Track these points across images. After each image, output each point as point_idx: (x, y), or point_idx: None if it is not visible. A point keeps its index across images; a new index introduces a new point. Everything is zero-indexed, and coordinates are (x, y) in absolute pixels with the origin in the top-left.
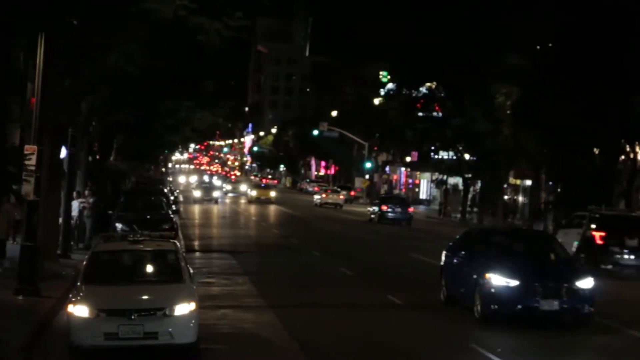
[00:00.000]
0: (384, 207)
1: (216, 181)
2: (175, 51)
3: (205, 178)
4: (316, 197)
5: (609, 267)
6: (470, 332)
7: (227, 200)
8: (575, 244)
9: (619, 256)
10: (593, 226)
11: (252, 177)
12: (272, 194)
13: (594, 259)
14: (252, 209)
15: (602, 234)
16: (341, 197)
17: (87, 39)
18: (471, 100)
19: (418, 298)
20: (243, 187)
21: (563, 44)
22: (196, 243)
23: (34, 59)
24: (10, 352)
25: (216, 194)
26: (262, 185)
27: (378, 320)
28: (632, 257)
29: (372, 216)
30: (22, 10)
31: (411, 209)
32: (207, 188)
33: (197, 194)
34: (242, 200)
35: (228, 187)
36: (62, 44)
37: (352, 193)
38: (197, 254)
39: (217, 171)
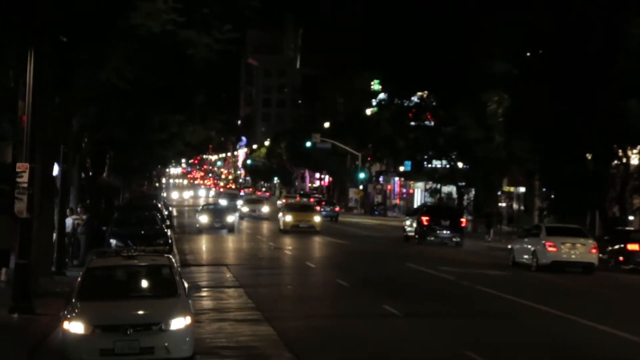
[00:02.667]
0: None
1: (228, 201)
2: (165, 65)
3: (217, 198)
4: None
5: (432, 238)
6: None
7: (245, 226)
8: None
9: (438, 232)
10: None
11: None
12: (317, 218)
13: (423, 234)
14: (306, 247)
15: (427, 218)
16: (336, 209)
17: (76, 55)
18: (463, 108)
19: None
20: (265, 209)
21: (552, 50)
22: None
23: (24, 77)
24: None
25: (231, 218)
26: (300, 206)
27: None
28: (445, 232)
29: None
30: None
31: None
32: (217, 211)
33: (203, 219)
34: (265, 226)
35: (245, 208)
36: (51, 60)
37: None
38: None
39: (210, 185)
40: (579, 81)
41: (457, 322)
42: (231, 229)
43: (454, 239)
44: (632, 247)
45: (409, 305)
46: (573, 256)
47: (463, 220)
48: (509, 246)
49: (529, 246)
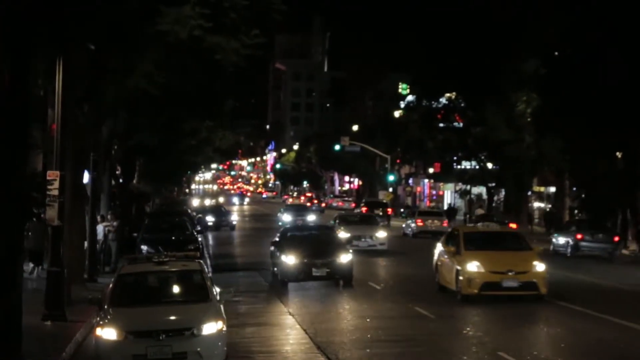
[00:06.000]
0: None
1: (294, 216)
2: (193, 71)
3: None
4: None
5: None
6: None
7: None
8: None
9: (378, 218)
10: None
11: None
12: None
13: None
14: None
15: (366, 208)
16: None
17: (105, 63)
18: (491, 108)
19: None
20: (380, 234)
21: (581, 50)
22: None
23: (53, 85)
24: None
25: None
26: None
27: None
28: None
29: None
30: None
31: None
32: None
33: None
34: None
35: (344, 234)
36: (80, 68)
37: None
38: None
39: (245, 191)
40: (607, 80)
41: None
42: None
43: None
44: None
45: None
46: None
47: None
48: None
49: None
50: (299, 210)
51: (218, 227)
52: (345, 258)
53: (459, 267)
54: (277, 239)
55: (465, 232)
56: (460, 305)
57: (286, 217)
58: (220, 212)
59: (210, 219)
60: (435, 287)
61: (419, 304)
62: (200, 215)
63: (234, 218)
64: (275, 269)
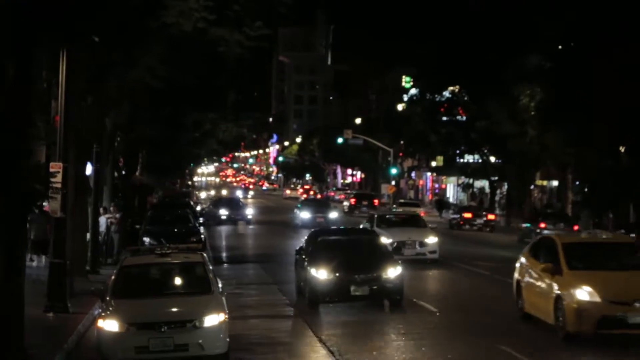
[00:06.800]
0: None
1: (314, 213)
2: (197, 64)
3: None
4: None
5: (356, 212)
6: None
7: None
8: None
9: (364, 209)
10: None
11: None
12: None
13: (350, 211)
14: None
15: (354, 199)
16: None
17: (109, 55)
18: (495, 102)
19: None
20: (430, 240)
21: (585, 44)
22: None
23: (57, 77)
24: None
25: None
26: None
27: None
28: (365, 209)
29: None
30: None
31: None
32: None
33: (319, 274)
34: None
35: (386, 239)
36: (83, 60)
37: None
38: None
39: (248, 184)
40: (612, 74)
41: None
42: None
43: None
44: None
45: None
46: None
47: None
48: None
49: None
50: (319, 206)
51: (233, 221)
52: (393, 272)
53: (560, 293)
54: (303, 245)
55: (565, 243)
56: (565, 347)
57: (304, 215)
58: (237, 205)
59: (224, 212)
60: (516, 313)
61: (502, 341)
62: (209, 207)
63: (250, 212)
64: (302, 283)
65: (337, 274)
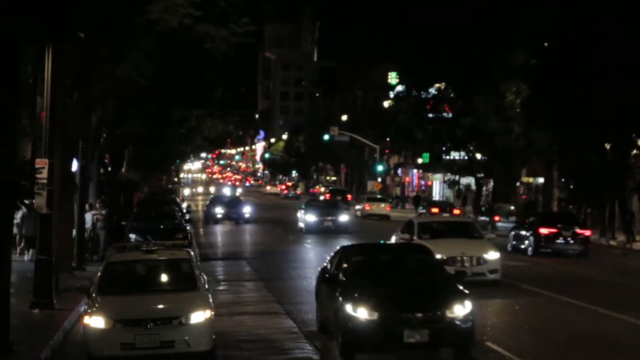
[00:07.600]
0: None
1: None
2: (183, 60)
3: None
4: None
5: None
6: None
7: None
8: None
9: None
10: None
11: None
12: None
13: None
14: None
15: (329, 195)
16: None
17: (95, 51)
18: (481, 99)
19: None
20: (492, 256)
21: (571, 40)
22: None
23: (43, 73)
24: None
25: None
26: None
27: None
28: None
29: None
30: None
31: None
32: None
33: (361, 314)
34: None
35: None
36: (69, 56)
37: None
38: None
39: (234, 181)
40: (597, 70)
41: None
42: None
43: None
44: None
45: None
46: None
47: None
48: None
49: None
50: (326, 208)
51: (231, 219)
52: (460, 309)
53: None
54: (327, 266)
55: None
56: None
57: (309, 218)
58: (238, 202)
59: (220, 211)
60: None
61: None
62: (208, 205)
63: (248, 210)
64: (329, 320)
65: (384, 313)
